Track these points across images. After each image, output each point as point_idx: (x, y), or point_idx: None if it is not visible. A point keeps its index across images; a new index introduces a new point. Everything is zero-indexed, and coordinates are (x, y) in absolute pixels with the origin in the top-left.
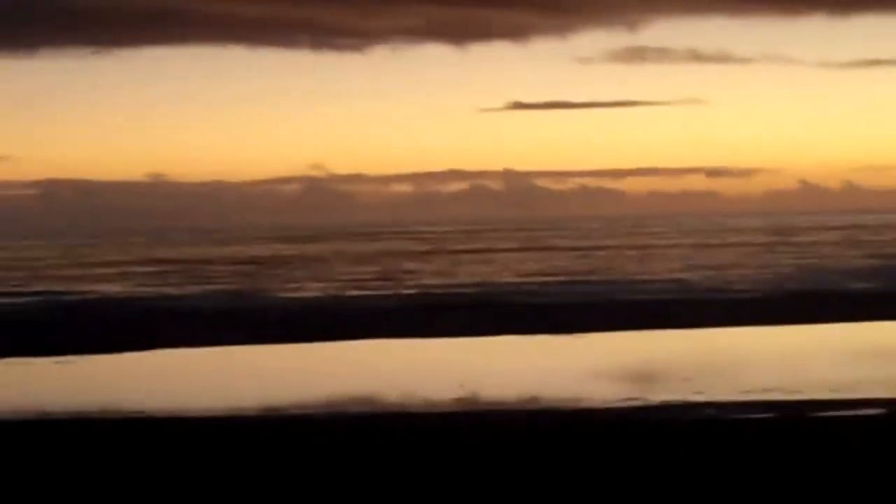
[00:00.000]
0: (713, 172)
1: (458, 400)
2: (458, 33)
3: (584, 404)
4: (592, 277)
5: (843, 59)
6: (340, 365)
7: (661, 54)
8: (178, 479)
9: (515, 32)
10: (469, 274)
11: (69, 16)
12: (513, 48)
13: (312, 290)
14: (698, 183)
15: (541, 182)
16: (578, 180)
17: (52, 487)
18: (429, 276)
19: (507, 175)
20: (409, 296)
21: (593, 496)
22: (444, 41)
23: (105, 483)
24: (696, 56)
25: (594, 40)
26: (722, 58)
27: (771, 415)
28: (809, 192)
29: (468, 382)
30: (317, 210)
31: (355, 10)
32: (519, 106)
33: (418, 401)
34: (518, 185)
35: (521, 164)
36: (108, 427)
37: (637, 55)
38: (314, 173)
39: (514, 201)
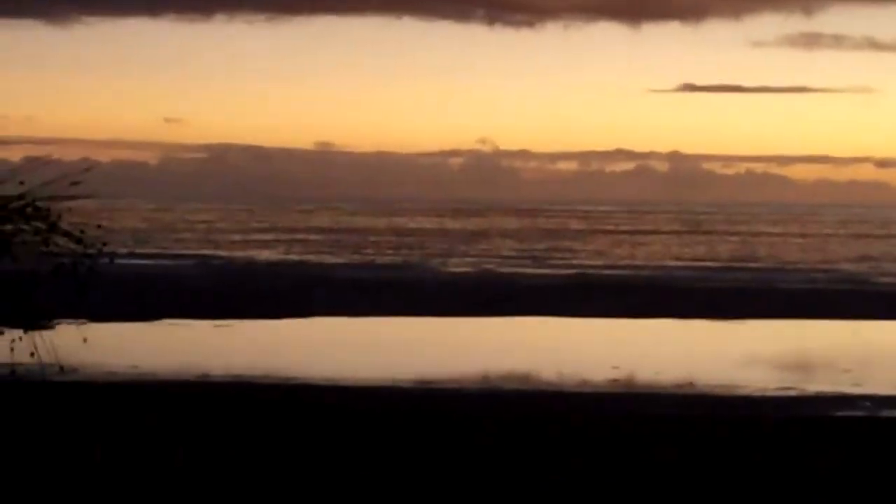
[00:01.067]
0: (882, 163)
1: (614, 381)
2: (632, 13)
3: (740, 391)
4: (753, 264)
5: None
6: (496, 341)
7: (837, 41)
8: (330, 447)
9: (689, 13)
10: (630, 255)
11: None
12: (686, 29)
13: (472, 264)
14: (867, 172)
15: (707, 165)
16: (746, 165)
17: (207, 447)
18: (589, 256)
19: (674, 157)
20: (569, 274)
21: (735, 485)
22: (617, 20)
23: (257, 446)
24: (872, 44)
25: (769, 24)
26: None
27: None
28: None
29: (624, 364)
30: (481, 184)
31: None
32: (690, 88)
33: (573, 380)
34: (684, 168)
35: (689, 147)
36: (265, 391)
37: (812, 41)
38: (481, 147)
39: (680, 183)
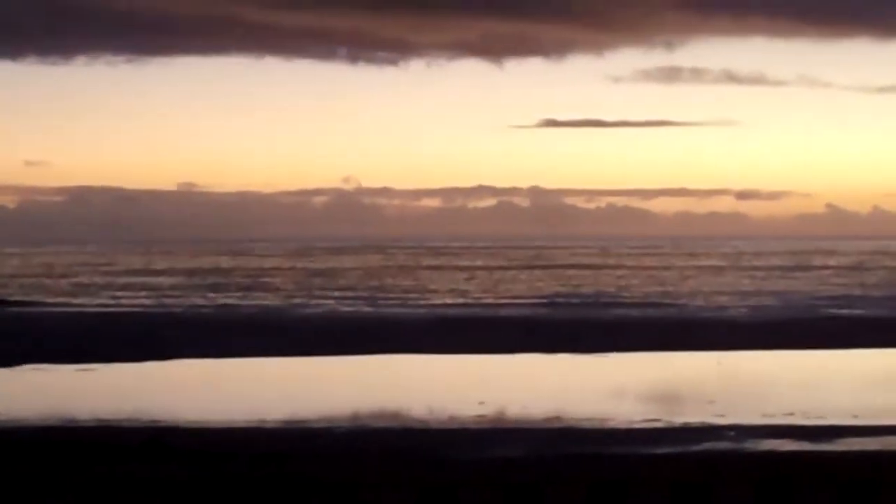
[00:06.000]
0: (743, 194)
1: (481, 417)
2: (495, 49)
3: (609, 424)
4: (614, 298)
5: (881, 83)
6: (364, 379)
7: (696, 74)
8: (199, 490)
9: (551, 49)
10: (493, 291)
11: (105, 23)
12: (548, 65)
13: (336, 303)
14: (727, 204)
15: (569, 200)
16: (607, 199)
17: (75, 494)
18: (451, 293)
19: (536, 192)
20: (433, 312)
21: None
22: (479, 56)
23: (126, 492)
24: (731, 77)
25: (630, 59)
26: (757, 79)
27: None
28: (837, 216)
29: (491, 399)
30: (345, 222)
31: (396, 24)
32: (551, 123)
33: (441, 416)
34: (546, 202)
35: (551, 182)
36: (131, 435)
37: (672, 75)
38: (344, 186)
39: (541, 218)
